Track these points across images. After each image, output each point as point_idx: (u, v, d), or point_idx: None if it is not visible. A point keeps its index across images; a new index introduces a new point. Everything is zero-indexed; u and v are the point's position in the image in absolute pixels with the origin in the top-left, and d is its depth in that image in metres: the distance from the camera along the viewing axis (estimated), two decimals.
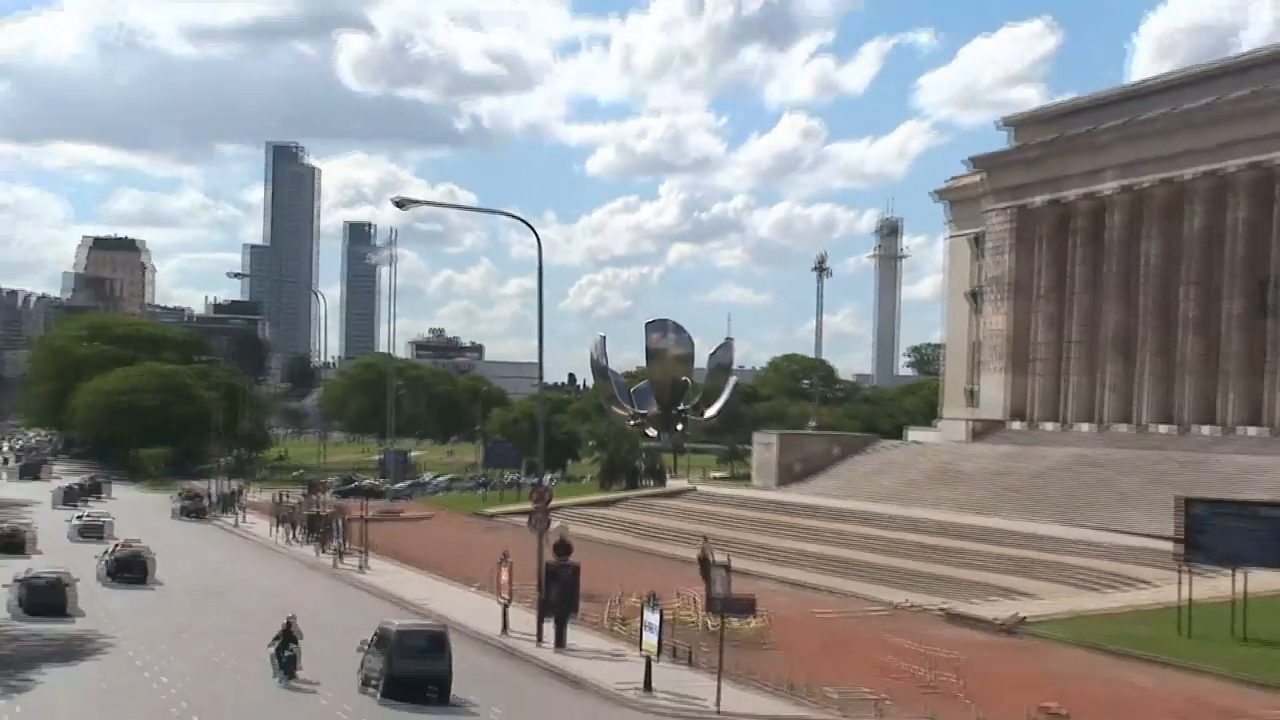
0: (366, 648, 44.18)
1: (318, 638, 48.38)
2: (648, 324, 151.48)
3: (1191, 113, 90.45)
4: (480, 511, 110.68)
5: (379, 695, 41.87)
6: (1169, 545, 56.89)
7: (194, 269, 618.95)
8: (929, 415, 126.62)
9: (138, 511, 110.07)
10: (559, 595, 51.17)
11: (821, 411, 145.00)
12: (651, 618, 43.31)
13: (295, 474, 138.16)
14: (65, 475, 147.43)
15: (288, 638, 45.71)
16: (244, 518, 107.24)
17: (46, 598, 58.33)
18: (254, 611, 52.58)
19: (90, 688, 43.72)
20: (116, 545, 75.73)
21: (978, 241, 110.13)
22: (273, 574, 75.69)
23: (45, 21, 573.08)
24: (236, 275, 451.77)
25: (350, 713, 40.65)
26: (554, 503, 69.41)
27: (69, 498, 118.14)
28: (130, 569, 70.35)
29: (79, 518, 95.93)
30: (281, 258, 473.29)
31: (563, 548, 54.25)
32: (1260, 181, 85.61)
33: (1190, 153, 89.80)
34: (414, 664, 42.23)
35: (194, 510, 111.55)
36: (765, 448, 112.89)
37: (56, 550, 79.27)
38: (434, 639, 44.49)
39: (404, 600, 63.97)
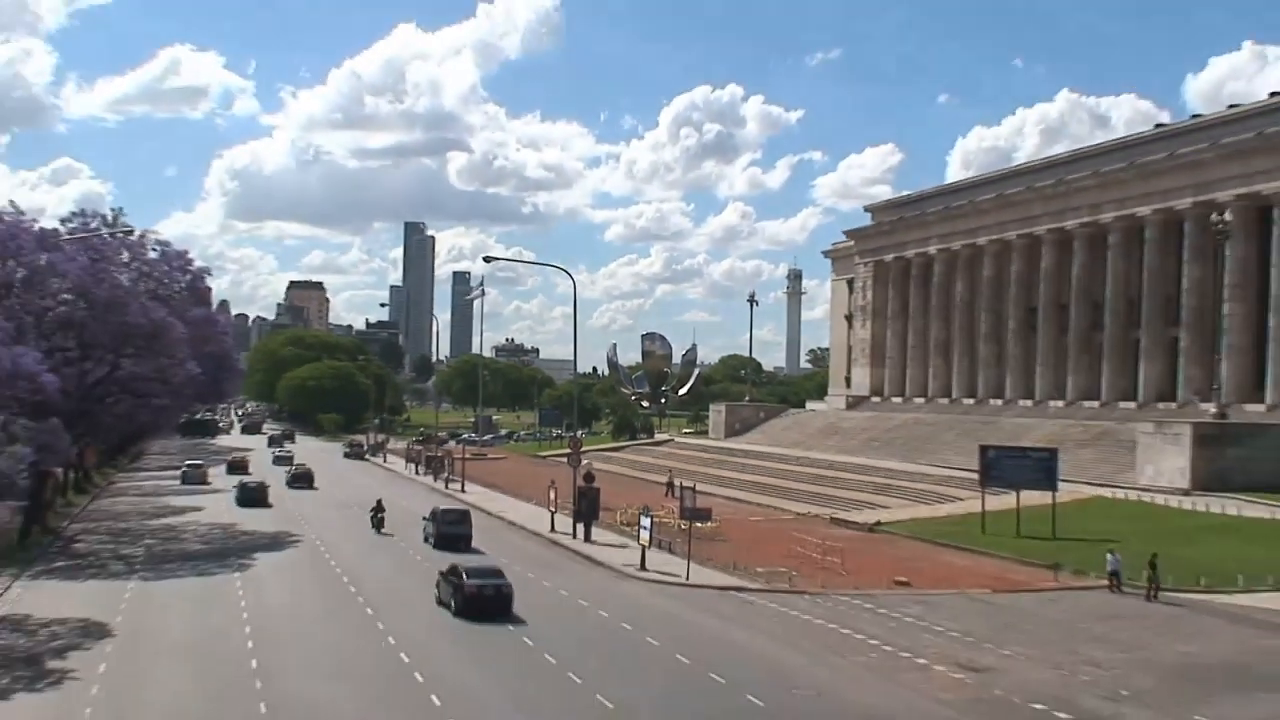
0: (426, 519, 50.82)
1: (411, 520, 53.67)
2: (643, 335, 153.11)
3: (984, 202, 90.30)
4: (537, 454, 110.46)
5: (432, 544, 47.85)
6: (973, 475, 56.84)
7: (356, 300, 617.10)
8: (821, 393, 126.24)
9: (319, 453, 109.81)
10: (586, 507, 51.34)
11: (752, 391, 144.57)
12: (645, 522, 43.54)
13: (419, 431, 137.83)
14: (271, 430, 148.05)
15: (378, 509, 54.96)
16: (387, 458, 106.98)
17: (254, 495, 64.31)
18: (405, 527, 55.34)
19: (285, 561, 44.58)
20: (294, 467, 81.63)
21: (850, 283, 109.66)
22: (400, 490, 75.52)
23: (263, 145, 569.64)
24: (383, 305, 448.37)
25: (413, 551, 47.44)
26: (583, 448, 69.40)
27: (273, 442, 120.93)
28: (301, 480, 76.30)
29: (276, 453, 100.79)
30: (411, 293, 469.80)
31: (589, 477, 54.50)
32: (1030, 246, 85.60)
33: (983, 227, 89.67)
34: (449, 527, 48.52)
35: (355, 454, 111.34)
36: (717, 414, 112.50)
37: (263, 471, 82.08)
38: (462, 514, 51.08)
39: (488, 510, 63.51)
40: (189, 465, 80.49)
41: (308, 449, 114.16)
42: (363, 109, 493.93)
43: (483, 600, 32.32)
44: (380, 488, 71.01)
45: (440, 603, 33.94)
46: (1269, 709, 23.85)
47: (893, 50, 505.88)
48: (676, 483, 61.76)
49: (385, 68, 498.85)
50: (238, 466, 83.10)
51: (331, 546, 48.19)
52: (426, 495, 72.62)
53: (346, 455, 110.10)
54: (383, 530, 53.09)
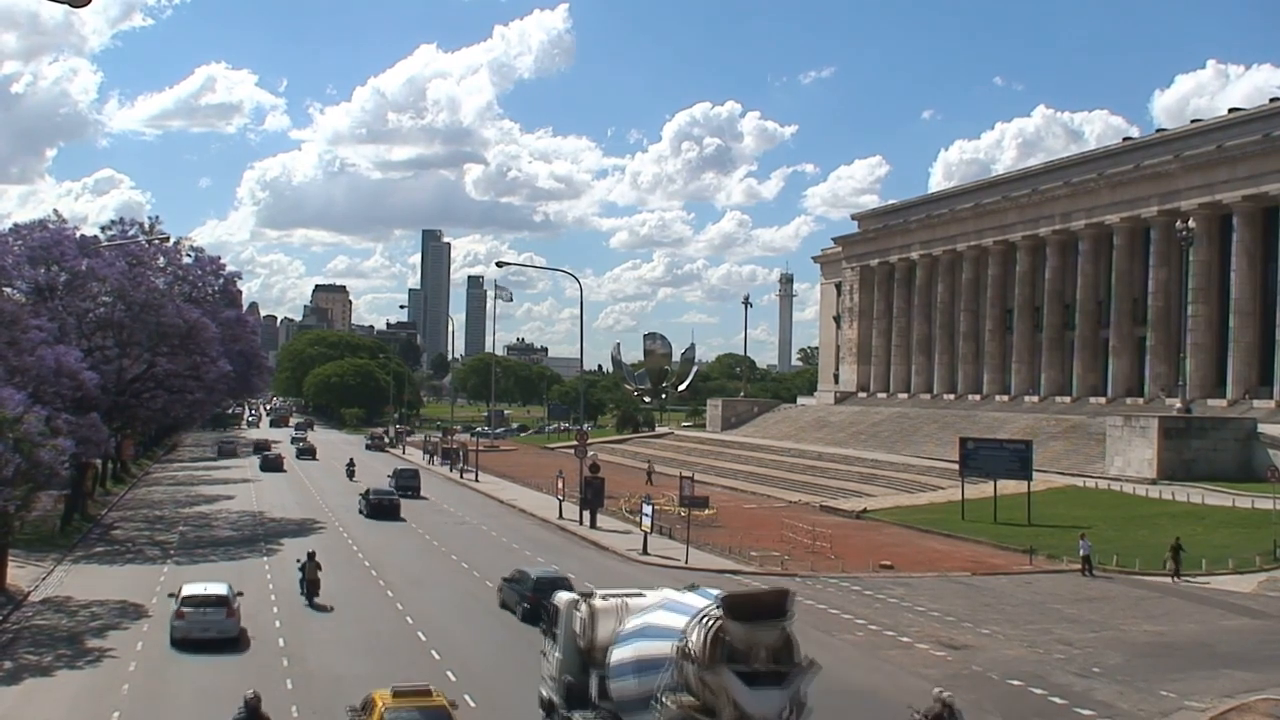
0: (390, 476, 64.07)
1: (382, 478, 65.72)
2: (645, 335, 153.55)
3: (963, 211, 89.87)
4: (546, 446, 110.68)
5: (393, 487, 59.17)
6: (953, 465, 57.04)
7: (377, 302, 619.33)
8: (811, 389, 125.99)
9: (343, 444, 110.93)
10: (592, 495, 51.31)
11: (747, 387, 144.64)
12: (647, 509, 43.63)
13: (436, 424, 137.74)
14: (296, 422, 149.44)
15: (350, 464, 73.79)
16: (405, 449, 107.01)
17: (273, 464, 79.89)
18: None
19: (309, 543, 44.08)
20: (301, 443, 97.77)
21: (839, 287, 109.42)
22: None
23: (292, 158, 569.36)
24: (403, 307, 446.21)
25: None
26: (589, 440, 69.31)
27: (296, 429, 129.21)
28: (306, 453, 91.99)
29: (294, 435, 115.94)
30: (429, 296, 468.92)
31: (594, 467, 54.23)
32: (1006, 252, 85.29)
33: (962, 234, 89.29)
34: (405, 480, 62.61)
35: (376, 445, 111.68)
36: (714, 408, 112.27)
37: (283, 450, 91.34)
38: (413, 473, 65.15)
39: (500, 499, 63.39)
40: (223, 442, 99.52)
41: (332, 441, 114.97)
42: (385, 124, 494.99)
43: (381, 506, 51.94)
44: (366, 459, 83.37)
45: (359, 511, 52.77)
46: (1233, 684, 23.70)
47: (881, 69, 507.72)
48: (679, 474, 61.91)
49: (407, 86, 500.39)
50: (262, 446, 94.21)
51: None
52: (444, 484, 72.58)
53: (369, 447, 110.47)
54: (354, 479, 69.10)
